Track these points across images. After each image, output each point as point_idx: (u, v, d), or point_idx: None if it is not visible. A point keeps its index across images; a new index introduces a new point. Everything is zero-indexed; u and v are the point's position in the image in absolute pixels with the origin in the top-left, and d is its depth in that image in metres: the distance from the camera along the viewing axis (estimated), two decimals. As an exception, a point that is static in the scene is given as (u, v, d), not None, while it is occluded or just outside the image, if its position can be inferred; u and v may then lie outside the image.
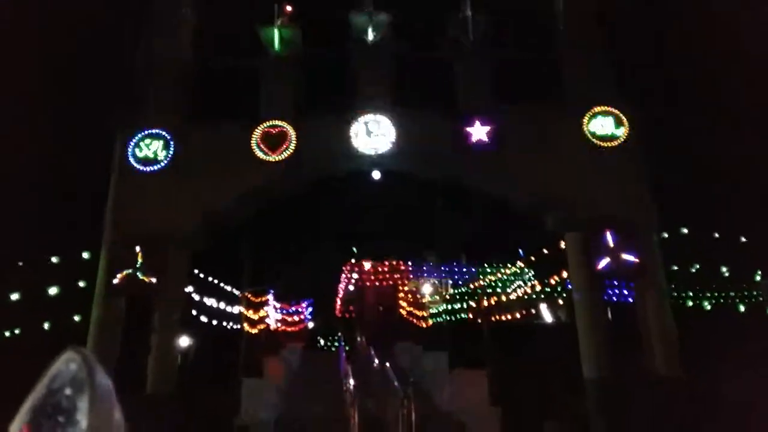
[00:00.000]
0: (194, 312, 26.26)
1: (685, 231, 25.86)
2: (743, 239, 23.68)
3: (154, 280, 14.76)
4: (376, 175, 17.40)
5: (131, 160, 15.93)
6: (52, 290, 16.16)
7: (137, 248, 14.90)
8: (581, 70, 17.00)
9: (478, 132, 16.19)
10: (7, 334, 19.32)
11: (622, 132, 16.17)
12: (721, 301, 31.18)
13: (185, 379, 15.92)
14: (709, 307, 30.52)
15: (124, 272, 14.75)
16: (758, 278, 27.32)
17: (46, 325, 17.10)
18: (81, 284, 16.18)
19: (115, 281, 14.71)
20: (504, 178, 16.47)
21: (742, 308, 30.35)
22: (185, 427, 13.47)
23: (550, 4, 18.16)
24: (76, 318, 16.16)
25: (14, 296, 18.66)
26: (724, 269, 29.55)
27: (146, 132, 16.14)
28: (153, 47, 17.19)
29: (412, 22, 18.46)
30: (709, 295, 31.14)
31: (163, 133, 16.16)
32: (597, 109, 16.29)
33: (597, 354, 14.67)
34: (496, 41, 17.56)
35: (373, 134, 16.27)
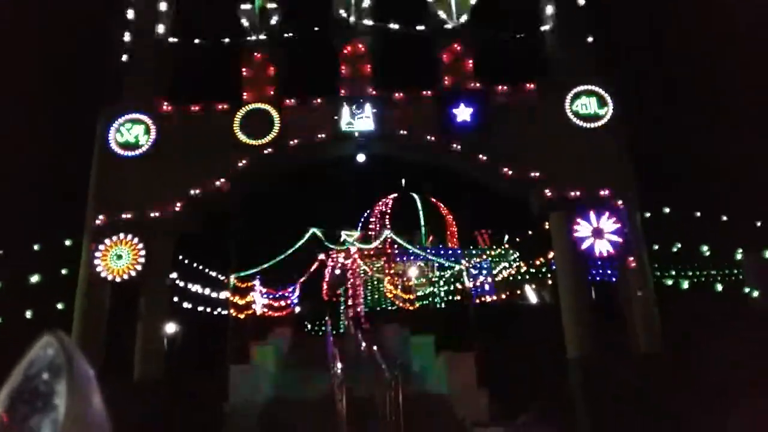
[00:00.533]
0: (180, 298, 26.14)
1: (667, 210, 26.12)
2: (724, 218, 23.97)
3: (138, 266, 14.64)
4: (361, 158, 17.33)
5: (112, 145, 15.71)
6: (34, 278, 15.97)
7: (121, 235, 14.76)
8: (565, 47, 16.98)
9: (462, 112, 16.16)
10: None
11: (605, 111, 16.22)
12: (702, 279, 31.61)
13: (172, 365, 15.87)
14: (686, 286, 30.94)
15: (107, 259, 14.62)
16: (739, 257, 27.70)
17: (28, 314, 16.92)
18: (64, 272, 16.01)
19: (99, 268, 14.58)
20: (488, 158, 16.48)
21: (719, 287, 30.85)
22: (173, 413, 13.46)
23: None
24: (60, 306, 16.01)
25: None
26: (704, 248, 29.90)
27: (127, 116, 15.92)
28: (132, 29, 16.88)
29: (395, 1, 18.28)
30: (690, 274, 31.55)
31: (144, 117, 15.94)
32: (580, 88, 16.30)
33: (580, 333, 14.85)
34: (480, 20, 17.47)
35: (357, 116, 16.18)
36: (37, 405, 0.98)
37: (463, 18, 17.22)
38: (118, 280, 14.57)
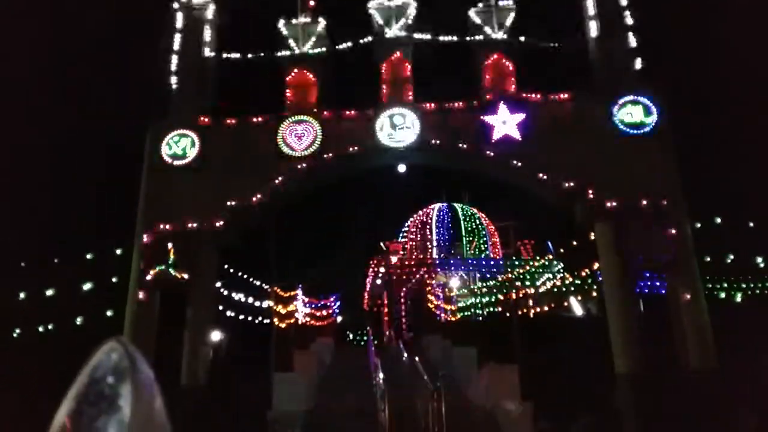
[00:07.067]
0: (225, 307, 26.61)
1: (719, 220, 25.26)
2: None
3: (185, 275, 15.00)
4: (402, 168, 17.37)
5: (162, 156, 16.18)
6: (87, 286, 16.54)
7: (169, 244, 15.16)
8: (609, 56, 16.68)
9: (504, 123, 16.03)
10: (41, 329, 19.87)
11: (651, 120, 15.85)
12: (757, 292, 30.40)
13: (218, 371, 16.16)
14: (740, 299, 29.81)
15: (157, 268, 15.03)
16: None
17: (79, 320, 17.51)
18: (114, 279, 16.53)
19: (148, 277, 15.00)
20: (531, 168, 16.28)
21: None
22: (218, 418, 13.69)
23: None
24: (109, 313, 16.52)
25: (49, 292, 19.17)
26: (759, 259, 28.80)
27: (175, 131, 16.39)
28: (178, 46, 17.38)
29: (435, 12, 18.32)
30: (744, 286, 30.39)
31: (190, 131, 16.38)
32: (626, 98, 15.99)
33: (629, 347, 14.45)
34: (521, 31, 17.35)
35: (398, 127, 16.24)
36: (102, 407, 1.02)
37: (505, 28, 17.14)
38: (165, 288, 14.95)
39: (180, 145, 16.24)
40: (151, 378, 1.06)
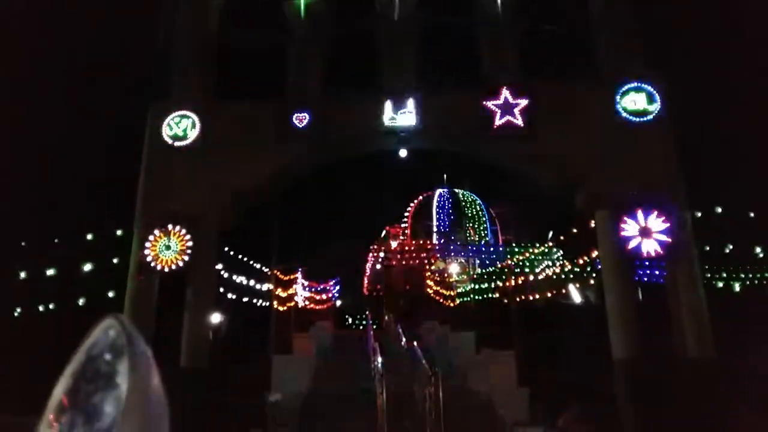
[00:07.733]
0: (225, 289, 26.70)
1: (719, 210, 25.22)
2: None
3: (186, 257, 15.01)
4: (403, 152, 17.31)
5: (163, 137, 16.13)
6: (87, 266, 16.57)
7: (169, 226, 15.15)
8: (613, 42, 16.56)
9: (507, 109, 15.95)
10: (41, 308, 19.97)
11: (654, 108, 15.76)
12: (755, 282, 30.48)
13: (217, 354, 16.25)
14: (738, 289, 29.88)
15: (157, 250, 15.03)
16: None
17: (81, 301, 17.57)
18: (115, 261, 16.56)
19: (148, 258, 15.01)
20: (532, 154, 16.23)
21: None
22: (218, 400, 13.79)
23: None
24: (111, 294, 16.57)
25: (50, 272, 19.24)
26: (758, 249, 28.81)
27: (176, 111, 16.32)
28: (180, 26, 17.26)
29: None
30: (743, 276, 30.47)
31: (191, 112, 16.31)
32: (629, 85, 15.90)
33: (626, 335, 14.48)
34: (524, 13, 17.19)
35: (400, 112, 16.16)
36: (99, 384, 1.01)
37: (509, 13, 16.98)
38: (166, 270, 14.96)
39: (181, 126, 16.17)
40: (148, 355, 1.05)
